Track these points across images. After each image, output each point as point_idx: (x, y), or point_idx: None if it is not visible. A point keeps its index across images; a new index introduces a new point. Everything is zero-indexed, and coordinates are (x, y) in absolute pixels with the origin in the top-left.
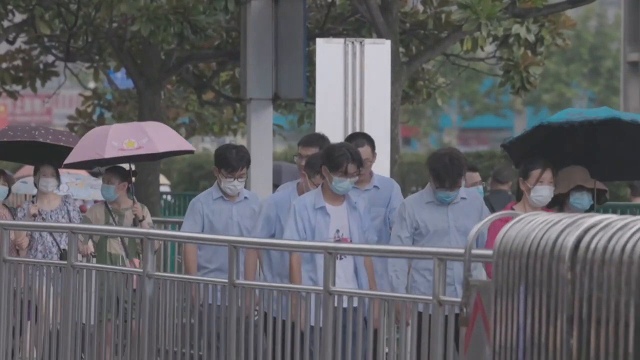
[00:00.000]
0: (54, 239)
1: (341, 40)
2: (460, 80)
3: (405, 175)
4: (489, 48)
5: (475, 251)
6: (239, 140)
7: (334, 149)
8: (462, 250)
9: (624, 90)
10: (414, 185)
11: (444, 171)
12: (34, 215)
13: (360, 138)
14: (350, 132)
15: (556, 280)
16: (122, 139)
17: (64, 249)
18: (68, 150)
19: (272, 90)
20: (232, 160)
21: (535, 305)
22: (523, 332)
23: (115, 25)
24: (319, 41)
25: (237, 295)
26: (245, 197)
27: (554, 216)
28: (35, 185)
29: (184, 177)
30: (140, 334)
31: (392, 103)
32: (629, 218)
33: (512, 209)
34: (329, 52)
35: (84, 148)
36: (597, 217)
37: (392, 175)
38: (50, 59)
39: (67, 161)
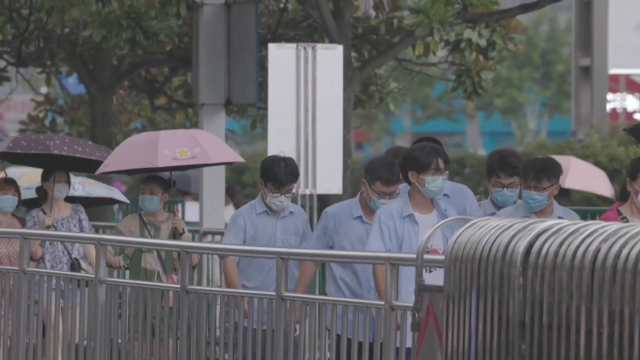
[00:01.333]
0: (65, 248)
1: (293, 45)
2: (412, 85)
3: (358, 180)
4: (441, 53)
5: (427, 256)
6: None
7: (414, 150)
8: (413, 255)
9: (575, 95)
10: None
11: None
12: (49, 227)
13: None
14: (302, 137)
15: (508, 285)
16: (174, 147)
17: (75, 259)
18: (87, 161)
19: (225, 96)
20: (281, 175)
21: (487, 310)
22: (475, 337)
23: (67, 30)
24: (271, 46)
25: (284, 308)
26: (291, 212)
27: (505, 221)
28: (38, 192)
29: (137, 183)
30: (179, 353)
31: (344, 108)
32: (580, 223)
33: (617, 210)
34: (281, 57)
35: (132, 156)
36: (549, 222)
37: (344, 180)
38: (1, 64)
39: (109, 169)
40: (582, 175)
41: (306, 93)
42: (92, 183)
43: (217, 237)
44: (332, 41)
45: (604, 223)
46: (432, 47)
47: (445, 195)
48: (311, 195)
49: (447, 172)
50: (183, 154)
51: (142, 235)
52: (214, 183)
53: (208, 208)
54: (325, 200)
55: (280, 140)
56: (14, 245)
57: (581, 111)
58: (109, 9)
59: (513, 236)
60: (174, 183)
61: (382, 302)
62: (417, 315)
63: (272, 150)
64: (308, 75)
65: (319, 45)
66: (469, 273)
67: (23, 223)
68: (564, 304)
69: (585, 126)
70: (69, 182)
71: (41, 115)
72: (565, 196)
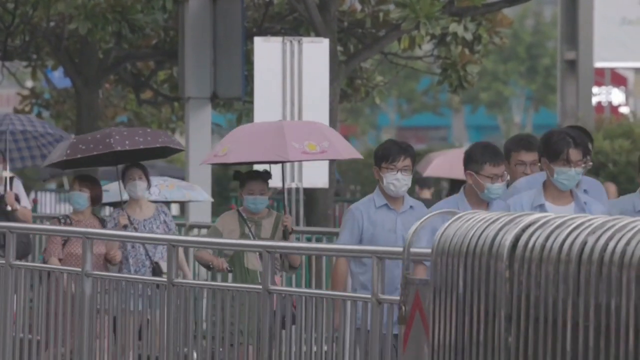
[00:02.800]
0: (147, 252)
1: (279, 39)
2: (398, 78)
3: (344, 173)
4: (427, 46)
5: (414, 249)
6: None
7: (551, 134)
8: (400, 249)
9: (561, 89)
10: (352, 184)
11: None
12: (125, 226)
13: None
14: None
15: (494, 278)
16: (302, 140)
17: (156, 263)
18: (151, 148)
19: (211, 89)
20: (393, 148)
21: (473, 303)
22: (461, 330)
23: (52, 24)
24: (257, 40)
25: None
26: (411, 207)
27: (492, 214)
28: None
29: None
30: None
31: (330, 102)
32: (566, 216)
33: None
34: (267, 50)
35: (257, 147)
36: (535, 215)
37: (330, 173)
38: None
39: (230, 159)
40: (444, 163)
41: (292, 87)
42: (170, 185)
43: (204, 231)
44: (318, 35)
45: (590, 216)
46: (417, 41)
47: (584, 191)
48: (297, 189)
49: (585, 165)
50: (312, 147)
51: (242, 233)
52: (199, 177)
53: (194, 202)
54: (311, 194)
55: None
56: (96, 245)
57: (567, 104)
58: (95, 2)
59: (500, 229)
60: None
61: (369, 296)
62: (403, 308)
63: None
64: (294, 69)
65: (304, 39)
66: (456, 266)
67: (104, 224)
68: (551, 297)
69: (570, 119)
70: (146, 179)
71: (27, 109)
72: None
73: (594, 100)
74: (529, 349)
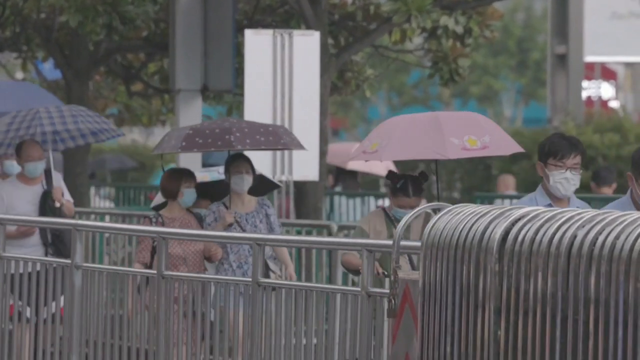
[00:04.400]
0: (251, 248)
1: (270, 31)
2: (388, 72)
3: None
4: (418, 40)
5: (404, 242)
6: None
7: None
8: (390, 242)
9: (551, 83)
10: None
11: None
12: (231, 224)
13: None
14: (278, 123)
15: (484, 271)
16: (461, 135)
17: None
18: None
19: (201, 81)
20: (562, 144)
21: (463, 296)
22: (451, 323)
23: (43, 15)
24: (248, 32)
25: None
26: (577, 208)
27: (482, 208)
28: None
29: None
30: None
31: (320, 94)
32: (556, 210)
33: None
34: (257, 43)
35: (415, 142)
36: (525, 209)
37: (320, 167)
38: None
39: (384, 157)
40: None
41: (283, 79)
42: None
43: None
44: (308, 27)
45: (580, 210)
46: (408, 34)
47: None
48: (287, 182)
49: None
50: (472, 143)
51: (390, 234)
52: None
53: None
54: (301, 187)
55: None
56: (190, 245)
57: (557, 98)
58: None
59: (489, 223)
60: (426, 176)
61: (359, 289)
62: (393, 301)
63: None
64: (284, 62)
65: (295, 32)
66: (445, 260)
67: (200, 219)
68: (540, 291)
69: (560, 113)
70: (252, 172)
71: None
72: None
73: (584, 94)
74: (519, 342)
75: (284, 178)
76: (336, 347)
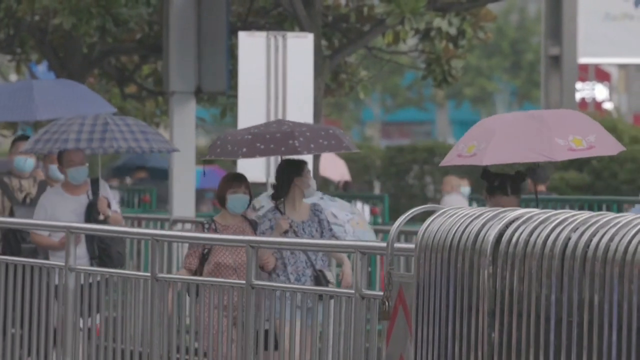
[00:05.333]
0: (309, 258)
1: (264, 33)
2: (382, 73)
3: (359, 171)
4: (411, 41)
5: (397, 245)
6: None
7: None
8: (384, 244)
9: (545, 84)
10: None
11: None
12: (286, 231)
13: None
14: None
15: (478, 273)
16: (566, 135)
17: (320, 271)
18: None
19: (195, 84)
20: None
21: (457, 298)
22: (445, 325)
23: (37, 18)
24: (242, 34)
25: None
26: None
27: (476, 210)
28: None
29: (109, 173)
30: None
31: (314, 96)
32: (550, 212)
33: None
34: (251, 45)
35: (518, 146)
36: (519, 210)
37: (314, 169)
38: None
39: (486, 160)
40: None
41: (276, 81)
42: (360, 223)
43: (187, 226)
44: (302, 30)
45: (574, 212)
46: (402, 36)
47: None
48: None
49: None
50: (578, 143)
51: None
52: (184, 171)
53: (178, 196)
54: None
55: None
56: (241, 254)
57: (550, 100)
58: None
59: (483, 225)
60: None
61: (353, 291)
62: (387, 303)
63: None
64: (278, 64)
65: (289, 34)
66: (439, 261)
67: (254, 226)
68: (534, 293)
69: None
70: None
71: None
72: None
73: (578, 96)
74: (512, 344)
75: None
76: (330, 349)
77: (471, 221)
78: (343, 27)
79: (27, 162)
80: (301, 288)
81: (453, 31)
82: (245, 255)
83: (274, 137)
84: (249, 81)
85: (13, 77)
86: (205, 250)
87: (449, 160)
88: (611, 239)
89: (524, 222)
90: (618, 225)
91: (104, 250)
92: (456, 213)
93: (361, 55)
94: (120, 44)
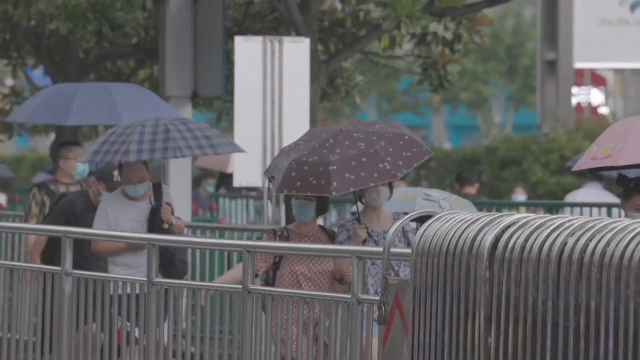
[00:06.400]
0: (392, 268)
1: (260, 38)
2: (378, 78)
3: None
4: (407, 46)
5: (394, 250)
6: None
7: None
8: (380, 249)
9: (541, 89)
10: None
11: None
12: (365, 241)
13: None
14: (269, 130)
15: (475, 279)
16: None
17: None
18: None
19: (191, 88)
20: None
21: (453, 303)
22: (442, 330)
23: (33, 23)
24: (238, 39)
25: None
26: None
27: (472, 215)
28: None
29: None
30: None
31: (311, 101)
32: (547, 217)
33: None
34: (248, 50)
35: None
36: (516, 216)
37: None
38: None
39: (626, 161)
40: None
41: (273, 86)
42: (458, 200)
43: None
44: (298, 34)
45: (570, 217)
46: (398, 41)
47: None
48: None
49: None
50: (605, 152)
51: None
52: (180, 173)
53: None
54: (290, 196)
55: (246, 134)
56: (316, 264)
57: (547, 105)
58: (76, 1)
59: (480, 230)
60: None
61: (349, 296)
62: (384, 309)
63: (238, 143)
64: (275, 69)
65: (285, 39)
66: (436, 267)
67: (332, 236)
68: (531, 298)
69: (550, 120)
70: (389, 187)
71: (7, 107)
72: None
73: (574, 100)
74: (509, 349)
75: (272, 186)
76: (328, 354)
77: (468, 226)
78: (339, 32)
79: (86, 170)
80: (297, 293)
81: (449, 36)
82: (321, 265)
83: (360, 163)
84: (246, 86)
85: (9, 81)
86: (277, 259)
87: (583, 164)
88: (608, 244)
89: (520, 228)
90: (615, 231)
91: (167, 259)
92: (453, 218)
93: (357, 60)
94: (116, 49)
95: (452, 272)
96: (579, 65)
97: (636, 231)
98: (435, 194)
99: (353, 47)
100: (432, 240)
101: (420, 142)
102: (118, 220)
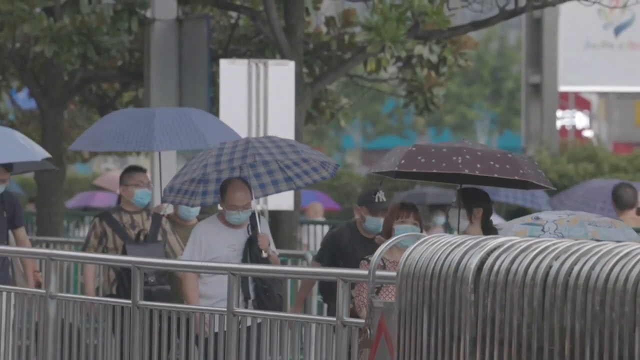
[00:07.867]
0: None
1: (245, 61)
2: (363, 101)
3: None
4: (392, 69)
5: (379, 272)
6: (142, 161)
7: None
8: (365, 272)
9: (526, 112)
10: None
11: None
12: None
13: None
14: None
15: (459, 301)
16: None
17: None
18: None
19: None
20: None
21: (438, 326)
22: (427, 353)
23: (18, 45)
24: (223, 62)
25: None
26: None
27: (458, 238)
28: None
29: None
30: None
31: (295, 124)
32: (531, 240)
33: None
34: (232, 72)
35: None
36: (501, 239)
37: (295, 195)
38: None
39: None
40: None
41: (258, 109)
42: (572, 220)
43: None
44: (283, 57)
45: (555, 240)
46: (383, 64)
47: None
48: (262, 211)
49: None
50: None
51: None
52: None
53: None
54: (276, 216)
55: None
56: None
57: (531, 128)
58: (61, 24)
59: (465, 253)
60: None
61: (334, 319)
62: (368, 331)
63: None
64: (260, 91)
65: (270, 61)
66: (421, 289)
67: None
68: (516, 321)
69: (535, 143)
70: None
71: None
72: None
73: (558, 123)
74: None
75: (259, 207)
76: None
77: (453, 249)
78: (324, 55)
79: (145, 197)
80: (282, 315)
81: (434, 58)
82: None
83: (439, 151)
84: (231, 108)
85: None
86: (379, 285)
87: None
88: (592, 267)
89: (505, 251)
90: (599, 254)
91: (264, 291)
92: (438, 241)
93: (342, 83)
94: (101, 71)
95: (437, 295)
96: (563, 88)
97: (620, 254)
98: (545, 215)
99: (338, 69)
100: (417, 262)
101: (522, 167)
102: (214, 246)
